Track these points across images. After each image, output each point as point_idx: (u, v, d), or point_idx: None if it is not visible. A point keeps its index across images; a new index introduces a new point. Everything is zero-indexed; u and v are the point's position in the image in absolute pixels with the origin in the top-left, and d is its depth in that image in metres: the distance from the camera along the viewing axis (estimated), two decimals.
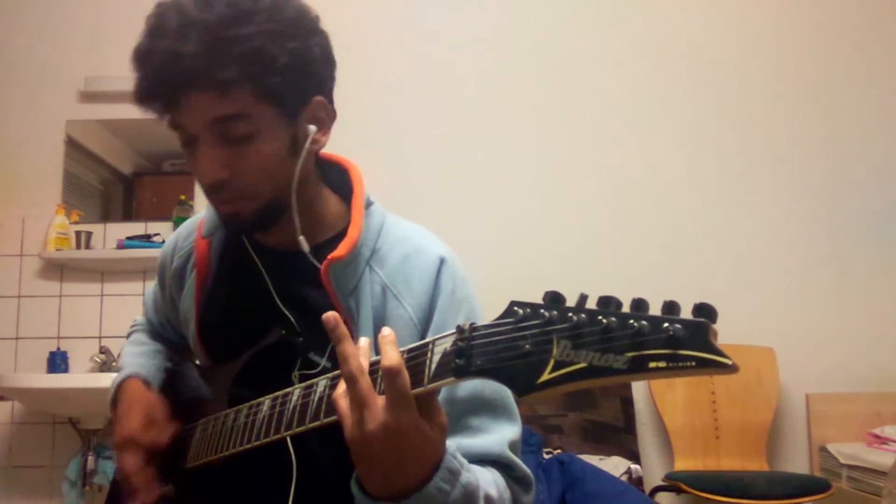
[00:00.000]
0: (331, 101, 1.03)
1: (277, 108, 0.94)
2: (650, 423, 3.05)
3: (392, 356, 0.70)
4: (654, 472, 2.94)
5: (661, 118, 3.25)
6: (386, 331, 0.72)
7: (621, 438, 2.92)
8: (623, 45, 3.30)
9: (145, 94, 0.93)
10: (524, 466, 0.95)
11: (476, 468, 0.85)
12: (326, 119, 1.02)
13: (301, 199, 1.02)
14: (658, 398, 2.95)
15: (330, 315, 0.73)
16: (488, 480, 0.88)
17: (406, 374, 0.69)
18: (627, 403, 2.99)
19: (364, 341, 0.75)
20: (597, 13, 3.33)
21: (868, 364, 3.02)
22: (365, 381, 0.71)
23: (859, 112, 3.23)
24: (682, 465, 2.88)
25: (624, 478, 2.61)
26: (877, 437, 2.78)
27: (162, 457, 1.10)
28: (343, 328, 0.73)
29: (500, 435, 0.95)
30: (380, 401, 0.70)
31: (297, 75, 0.94)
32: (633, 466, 2.69)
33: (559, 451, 2.67)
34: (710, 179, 3.21)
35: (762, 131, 3.23)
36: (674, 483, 2.63)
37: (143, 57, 0.91)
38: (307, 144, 0.99)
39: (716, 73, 3.27)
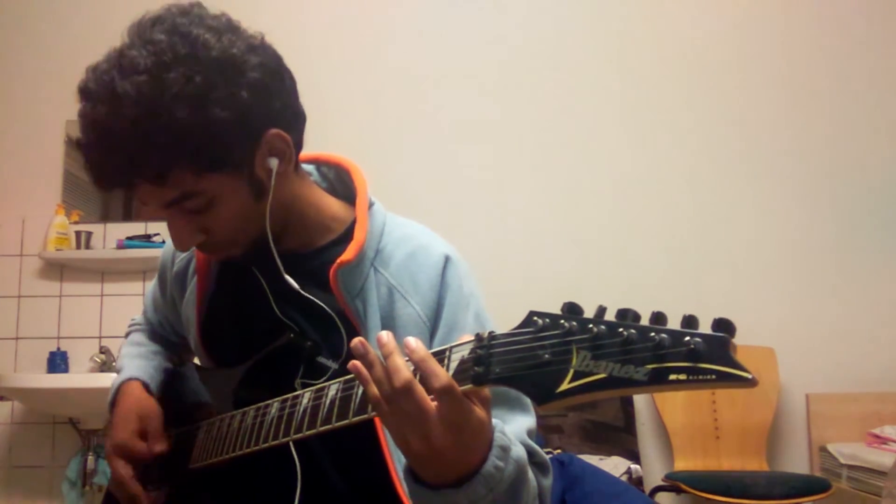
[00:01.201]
0: (288, 117, 0.99)
1: (222, 171, 0.93)
2: (650, 423, 3.05)
3: (442, 374, 0.68)
4: (654, 472, 2.95)
5: (662, 119, 3.25)
6: (413, 342, 0.70)
7: (621, 438, 2.93)
8: (629, 50, 3.30)
9: (98, 187, 0.94)
10: (542, 452, 0.96)
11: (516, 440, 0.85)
12: (285, 146, 0.98)
13: (292, 216, 1.05)
14: (658, 398, 2.96)
15: (357, 342, 0.72)
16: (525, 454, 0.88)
17: (457, 386, 0.68)
18: (627, 403, 2.99)
19: (387, 335, 0.72)
20: (601, 20, 3.33)
21: (868, 364, 3.03)
22: (419, 391, 0.69)
23: (860, 113, 3.23)
24: (682, 465, 2.89)
25: (624, 478, 2.62)
26: (877, 437, 2.79)
27: (164, 457, 1.10)
28: (373, 353, 0.71)
29: (518, 424, 0.95)
30: (435, 406, 0.69)
31: (231, 134, 0.90)
32: (633, 466, 2.69)
33: (559, 451, 2.67)
34: (711, 181, 3.21)
35: (762, 132, 3.24)
36: (674, 483, 2.64)
37: (84, 159, 0.93)
38: (273, 181, 0.97)
39: (716, 74, 3.27)
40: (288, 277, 1.01)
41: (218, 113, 0.88)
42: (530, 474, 0.84)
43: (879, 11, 3.30)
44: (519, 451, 0.79)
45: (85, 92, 0.90)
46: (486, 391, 0.72)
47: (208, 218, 0.95)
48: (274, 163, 0.97)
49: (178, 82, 0.86)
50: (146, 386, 1.18)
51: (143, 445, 1.08)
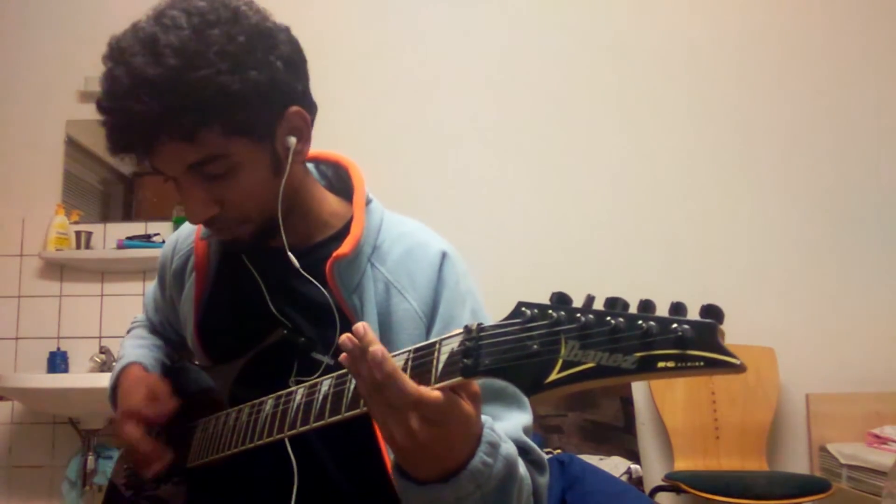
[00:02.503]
0: (307, 101, 1.01)
1: (250, 137, 0.93)
2: (650, 423, 3.05)
3: (408, 391, 0.67)
4: (654, 472, 2.95)
5: (662, 120, 3.25)
6: (377, 350, 0.68)
7: (621, 438, 2.92)
8: (626, 48, 3.30)
9: (115, 148, 0.92)
10: (539, 450, 0.96)
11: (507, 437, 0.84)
12: (304, 126, 1.00)
13: (296, 206, 1.04)
14: (658, 398, 2.96)
15: (344, 338, 0.71)
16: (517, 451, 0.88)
17: (426, 399, 0.67)
18: (627, 403, 2.99)
19: (363, 326, 0.70)
20: (600, 16, 3.33)
21: (868, 364, 3.03)
22: (400, 383, 0.68)
23: (859, 113, 3.23)
24: (682, 465, 2.88)
25: (624, 478, 2.61)
26: (877, 437, 2.79)
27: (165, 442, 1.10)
28: (359, 347, 0.70)
29: (515, 421, 0.95)
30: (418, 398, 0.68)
31: (263, 99, 0.92)
32: (633, 466, 2.69)
33: (559, 451, 2.67)
34: (711, 180, 3.21)
35: (763, 131, 3.24)
36: (674, 483, 2.63)
37: (104, 114, 0.90)
38: (290, 159, 0.98)
39: (717, 76, 3.27)
40: (291, 255, 1.01)
41: (255, 76, 0.89)
42: (522, 472, 0.84)
43: (879, 13, 3.30)
44: (509, 449, 0.79)
45: (117, 49, 0.90)
46: (476, 387, 0.72)
47: (226, 187, 0.94)
48: (292, 141, 0.98)
49: (220, 40, 0.87)
50: (147, 370, 1.17)
51: (156, 406, 1.06)
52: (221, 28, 0.88)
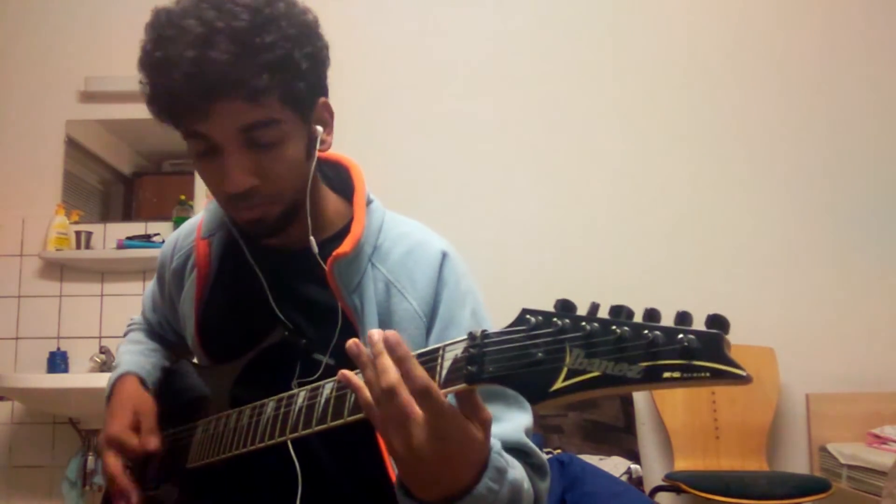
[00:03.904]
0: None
1: (298, 112, 0.95)
2: (650, 423, 3.05)
3: (420, 375, 0.67)
4: (654, 472, 2.95)
5: (662, 121, 3.25)
6: (392, 338, 0.69)
7: (621, 438, 2.92)
8: (626, 49, 3.30)
9: (167, 104, 0.90)
10: (540, 453, 0.95)
11: (515, 462, 0.84)
12: (330, 119, 1.04)
13: (310, 200, 1.03)
14: (658, 398, 2.96)
15: (351, 343, 0.71)
16: (524, 475, 0.87)
17: (437, 391, 0.67)
18: (627, 403, 2.99)
19: (378, 333, 0.71)
20: (601, 18, 3.33)
21: (868, 364, 3.03)
22: (404, 394, 0.68)
23: (859, 113, 3.23)
24: (682, 465, 2.88)
25: (624, 478, 2.61)
26: (877, 437, 2.79)
27: (160, 455, 1.09)
28: (366, 355, 0.71)
29: (516, 422, 0.95)
30: (420, 411, 0.68)
31: (313, 79, 0.96)
32: (633, 466, 2.69)
33: (559, 451, 2.67)
34: (711, 181, 3.21)
35: (762, 131, 3.24)
36: (674, 483, 2.63)
37: (163, 66, 0.87)
38: (317, 145, 1.00)
39: (717, 78, 3.27)
40: (312, 239, 1.01)
41: (312, 52, 0.94)
42: (526, 489, 0.84)
43: (879, 13, 3.29)
44: (516, 475, 0.78)
45: (177, 8, 0.89)
46: (488, 413, 0.72)
47: (270, 157, 0.94)
48: (319, 130, 1.00)
49: (288, 13, 0.92)
50: (143, 381, 1.17)
51: (136, 441, 1.06)
52: (286, 4, 0.92)
